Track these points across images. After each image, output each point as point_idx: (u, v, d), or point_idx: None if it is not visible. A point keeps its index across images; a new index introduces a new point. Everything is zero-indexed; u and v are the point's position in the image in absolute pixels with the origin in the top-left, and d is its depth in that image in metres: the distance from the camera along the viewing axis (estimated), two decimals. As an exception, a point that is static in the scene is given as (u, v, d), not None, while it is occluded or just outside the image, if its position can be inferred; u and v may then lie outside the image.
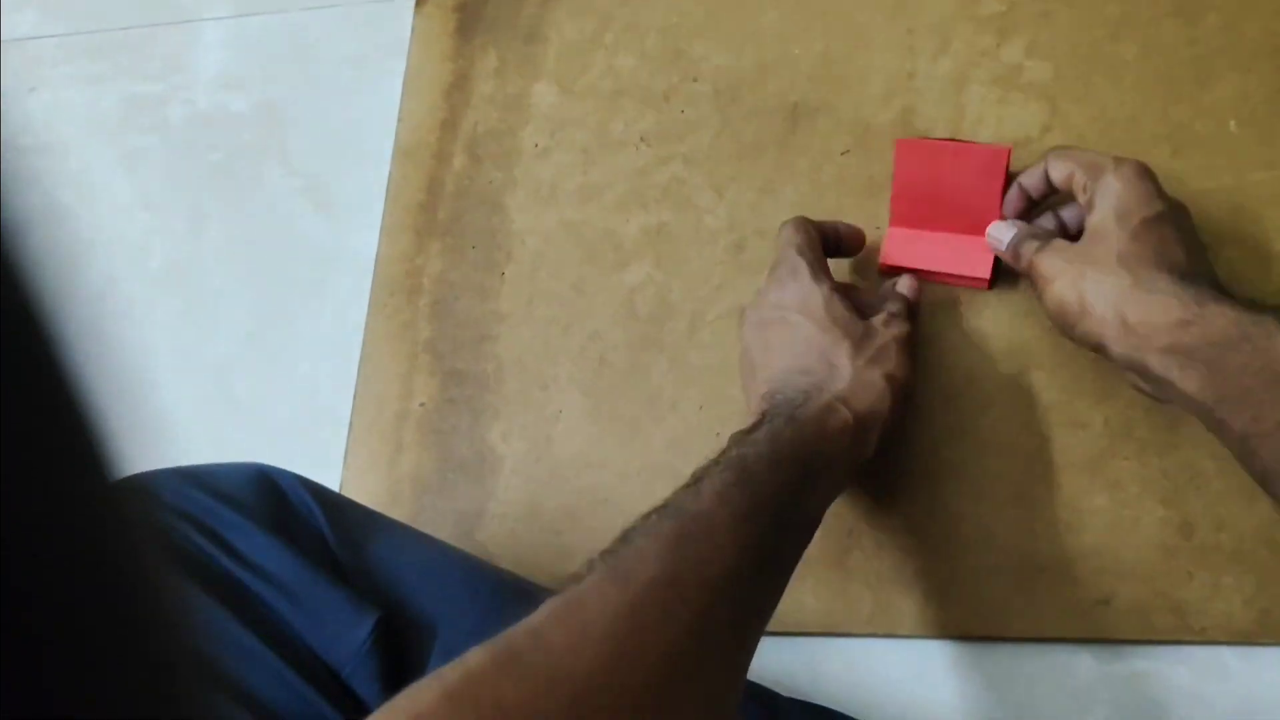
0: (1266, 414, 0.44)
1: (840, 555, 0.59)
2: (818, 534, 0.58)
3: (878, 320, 0.56)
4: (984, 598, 0.57)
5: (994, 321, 0.63)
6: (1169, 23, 0.68)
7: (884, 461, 0.60)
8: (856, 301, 0.58)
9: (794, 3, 0.73)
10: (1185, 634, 0.55)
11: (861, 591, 0.58)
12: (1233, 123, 0.65)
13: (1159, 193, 0.54)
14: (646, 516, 0.42)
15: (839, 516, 0.60)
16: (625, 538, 0.40)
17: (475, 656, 0.34)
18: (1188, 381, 0.47)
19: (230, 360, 0.71)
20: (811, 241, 0.58)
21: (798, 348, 0.54)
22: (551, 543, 0.62)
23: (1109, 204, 0.53)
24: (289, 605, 0.45)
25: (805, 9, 0.73)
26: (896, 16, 0.71)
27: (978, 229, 0.63)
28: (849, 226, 0.62)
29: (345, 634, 0.46)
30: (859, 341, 0.54)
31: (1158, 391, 0.51)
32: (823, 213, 0.66)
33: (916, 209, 0.63)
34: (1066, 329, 0.53)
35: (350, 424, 0.67)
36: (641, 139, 0.71)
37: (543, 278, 0.68)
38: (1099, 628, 0.56)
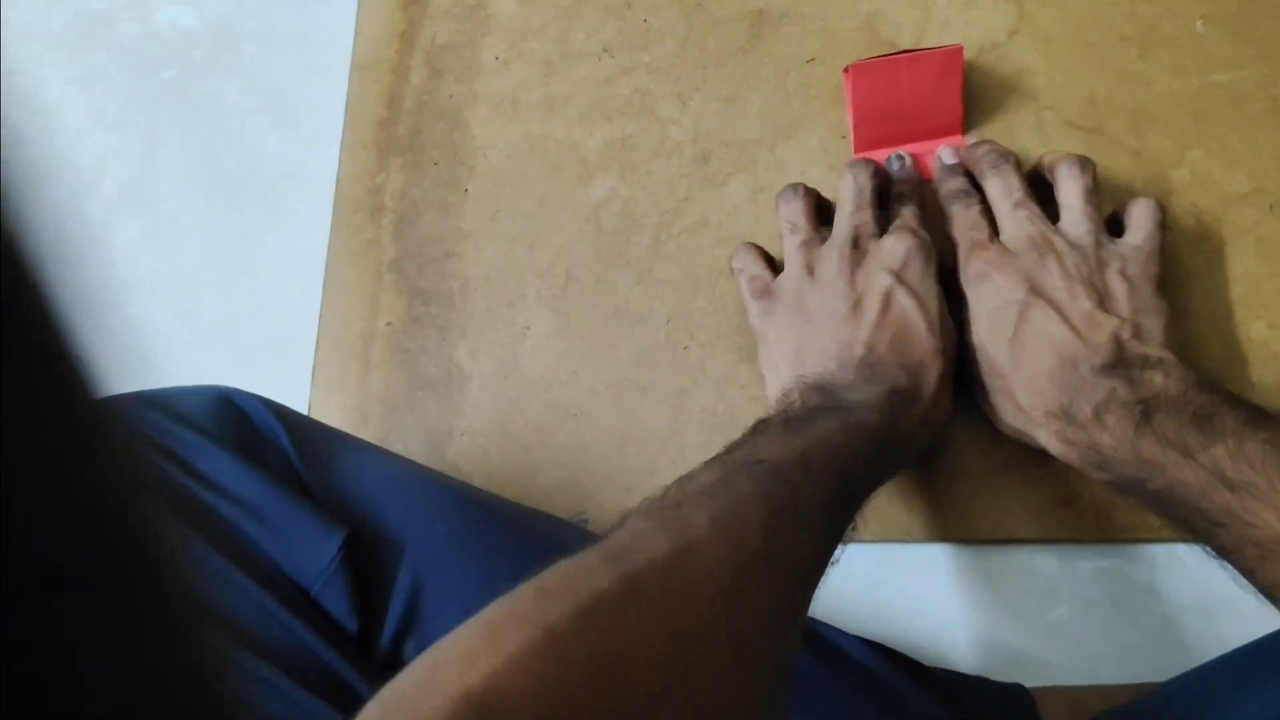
0: (1208, 541, 0.44)
1: (807, 464, 0.59)
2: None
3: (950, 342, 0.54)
4: (949, 501, 0.58)
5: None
6: (1137, -80, 0.66)
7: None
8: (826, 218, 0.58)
9: (757, -96, 0.71)
10: (1143, 531, 0.56)
11: (828, 499, 0.59)
12: (1200, 23, 0.64)
13: (1010, 278, 0.52)
14: (749, 461, 0.41)
15: (806, 426, 0.60)
16: (727, 480, 0.40)
17: (602, 575, 0.33)
18: (1143, 508, 0.48)
19: (192, 283, 0.70)
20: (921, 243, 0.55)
21: (904, 339, 0.52)
22: (521, 458, 0.62)
23: (978, 317, 0.53)
24: (255, 526, 0.45)
25: (769, -89, 0.71)
26: (862, -83, 0.70)
27: (945, 131, 0.63)
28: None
29: (313, 552, 0.46)
30: (947, 361, 0.53)
31: None
32: (789, 120, 0.66)
33: (880, 130, 0.63)
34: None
35: (316, 344, 0.66)
36: (604, 49, 0.70)
37: (506, 193, 0.68)
38: (1062, 528, 0.57)
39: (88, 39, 0.78)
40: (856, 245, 0.55)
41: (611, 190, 0.66)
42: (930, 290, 0.53)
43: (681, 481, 0.41)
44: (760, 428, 0.46)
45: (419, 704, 0.30)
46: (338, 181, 0.70)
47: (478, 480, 0.61)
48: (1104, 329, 0.50)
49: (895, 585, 0.58)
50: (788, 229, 0.58)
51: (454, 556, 0.49)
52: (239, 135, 0.73)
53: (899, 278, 0.53)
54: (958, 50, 0.61)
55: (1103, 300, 0.51)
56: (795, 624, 0.40)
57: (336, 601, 0.46)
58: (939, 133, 0.63)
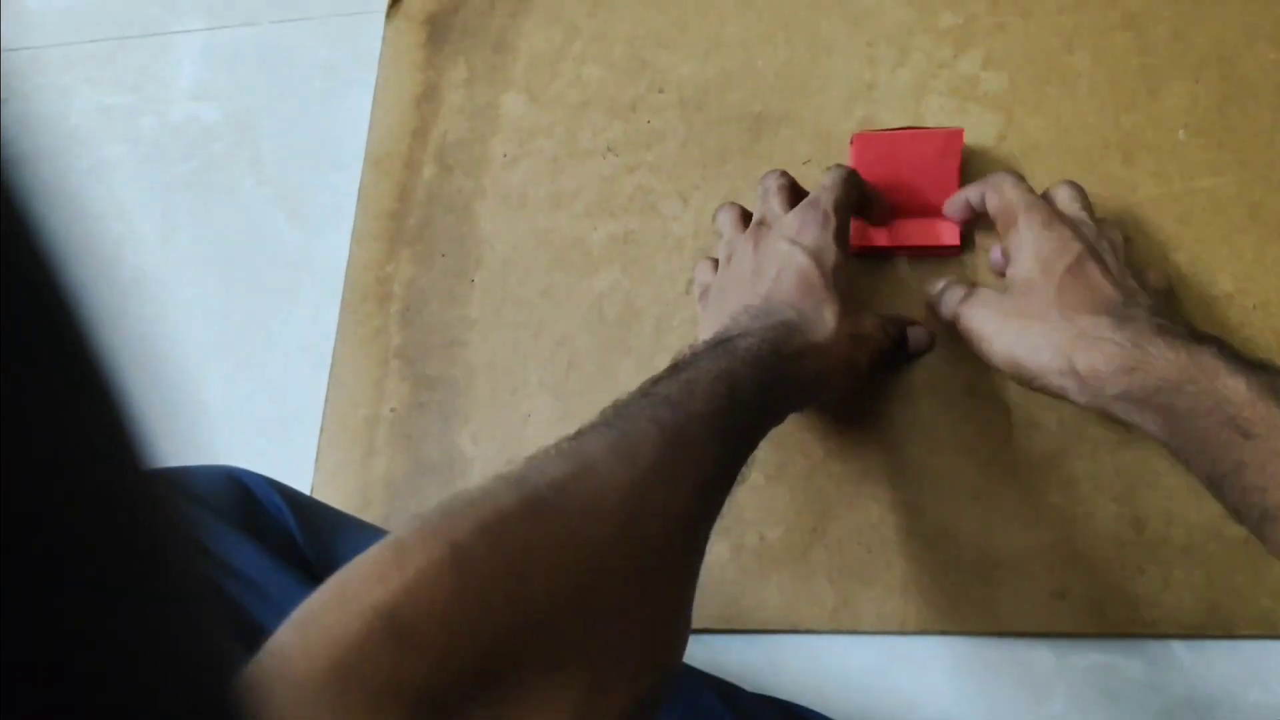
0: (1223, 456, 0.45)
1: (804, 551, 0.60)
2: (781, 531, 0.60)
3: (869, 317, 0.58)
4: (943, 593, 0.58)
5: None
6: (1120, 34, 0.70)
7: (845, 461, 0.62)
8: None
9: (756, 15, 0.75)
10: (1138, 626, 0.57)
11: (824, 587, 0.60)
12: (1182, 131, 0.67)
13: (1074, 233, 0.54)
14: (643, 395, 0.44)
15: (802, 514, 0.61)
16: (624, 413, 0.42)
17: (505, 496, 0.35)
18: (1148, 425, 0.49)
19: (201, 366, 0.72)
20: (849, 203, 0.59)
21: (794, 284, 0.54)
22: (521, 544, 0.63)
23: (1026, 256, 0.54)
24: (258, 601, 0.46)
25: (768, 20, 0.74)
26: (857, 28, 0.73)
27: (940, 211, 0.65)
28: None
29: None
30: (849, 312, 0.55)
31: (1130, 430, 0.53)
32: (786, 219, 0.68)
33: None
34: (1024, 383, 0.54)
35: (322, 428, 0.67)
36: (609, 148, 0.72)
37: (512, 284, 0.69)
38: (1055, 621, 0.57)
39: (107, 131, 0.81)
40: (761, 224, 0.59)
41: (614, 282, 0.68)
42: (827, 248, 0.56)
43: (576, 430, 0.43)
44: (650, 378, 0.48)
45: (331, 619, 0.31)
46: (348, 270, 0.72)
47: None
48: (1148, 298, 0.52)
49: (891, 677, 0.58)
50: (718, 236, 0.63)
51: None
52: (253, 225, 0.76)
53: (794, 241, 0.56)
54: (959, 133, 0.64)
55: (1142, 288, 0.53)
56: (697, 534, 0.42)
57: None
58: (935, 210, 0.65)
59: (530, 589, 0.34)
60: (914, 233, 0.65)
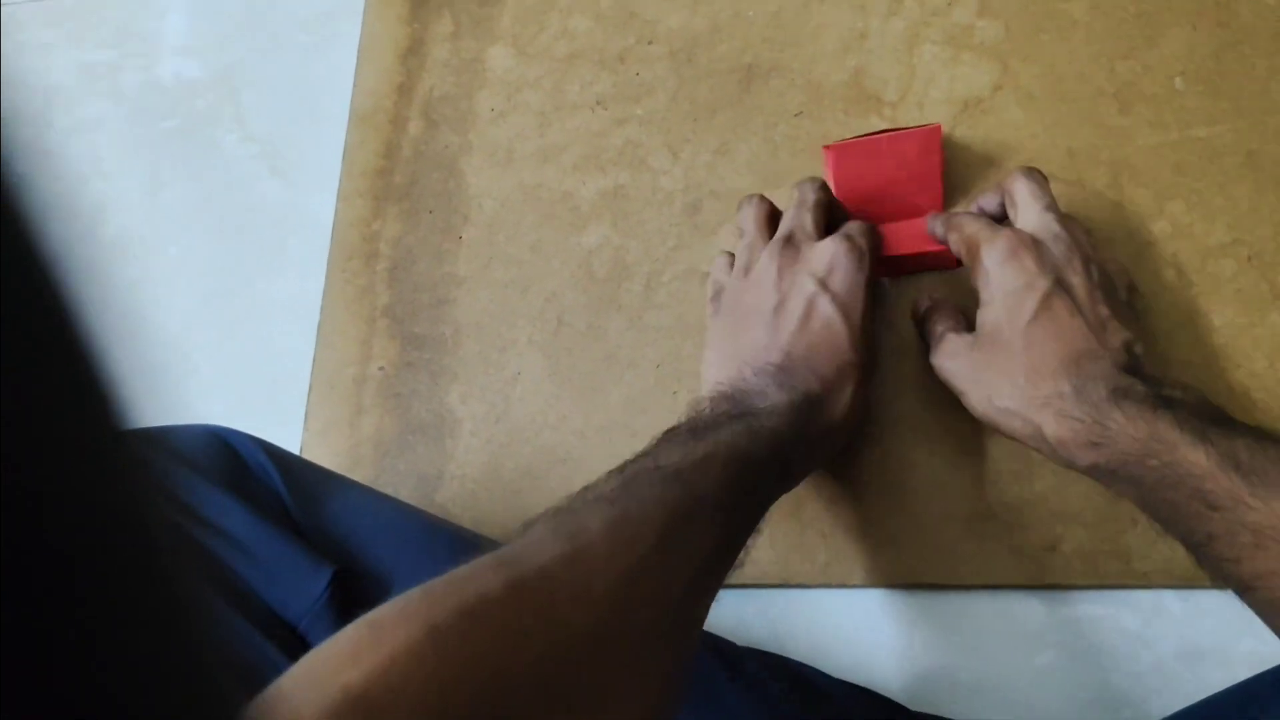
0: (1194, 527, 0.43)
1: (795, 507, 0.60)
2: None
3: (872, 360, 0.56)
4: (935, 545, 0.58)
5: (945, 277, 0.63)
6: (1116, -19, 0.68)
7: (837, 416, 0.61)
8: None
9: (748, -36, 0.73)
10: (1129, 578, 0.57)
11: (816, 542, 0.59)
12: (1178, 79, 0.66)
13: (1039, 265, 0.52)
14: (650, 469, 0.42)
15: (794, 471, 0.61)
16: (626, 486, 0.41)
17: (491, 579, 0.34)
18: (1124, 493, 0.48)
19: (187, 325, 0.71)
20: (879, 247, 0.58)
21: (822, 346, 0.52)
22: (511, 502, 0.62)
23: (994, 298, 0.52)
24: (245, 562, 0.46)
25: (759, -30, 0.73)
26: (849, -23, 0.72)
27: (926, 210, 0.64)
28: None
29: (302, 588, 0.46)
30: (866, 373, 0.54)
31: None
32: (777, 172, 0.67)
33: (863, 210, 0.63)
34: (1002, 434, 0.53)
35: (310, 387, 0.67)
36: (597, 102, 0.71)
37: (500, 240, 0.69)
38: (1047, 573, 0.57)
39: (89, 89, 0.80)
40: (790, 242, 0.55)
41: (604, 238, 0.67)
42: (856, 300, 0.53)
43: (584, 490, 0.42)
44: (667, 435, 0.46)
45: (301, 699, 0.30)
46: (334, 228, 0.71)
47: (467, 522, 0.61)
48: (1119, 336, 0.50)
49: (883, 630, 0.58)
50: (738, 233, 0.60)
51: None
52: (238, 182, 0.75)
53: (824, 284, 0.53)
54: (936, 129, 0.62)
55: (1114, 314, 0.51)
56: (689, 623, 0.41)
57: (323, 638, 0.46)
58: (921, 211, 0.64)
59: (510, 675, 0.33)
60: (909, 240, 0.63)
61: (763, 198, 0.60)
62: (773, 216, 0.60)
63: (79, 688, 0.13)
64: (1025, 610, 0.58)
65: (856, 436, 0.56)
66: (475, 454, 0.64)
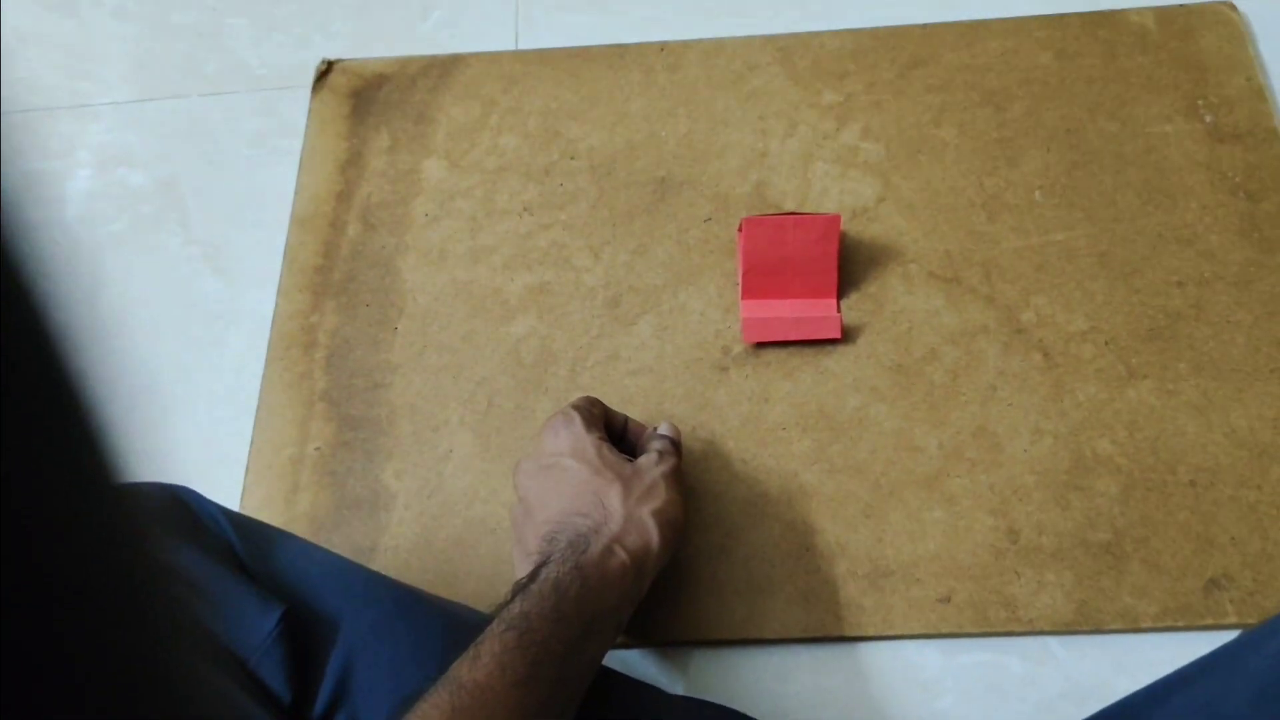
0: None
1: (712, 569, 0.64)
2: (690, 550, 0.64)
3: (646, 460, 0.58)
4: (840, 601, 0.63)
5: (841, 362, 0.70)
6: (981, 110, 0.79)
7: (748, 485, 0.67)
8: (625, 446, 0.62)
9: (658, 92, 0.82)
10: (1016, 625, 0.62)
11: (732, 599, 0.64)
12: (1037, 192, 0.75)
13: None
14: (430, 690, 0.45)
15: (708, 534, 0.65)
16: (408, 707, 0.44)
17: None
18: None
19: (127, 412, 0.74)
20: (590, 406, 0.61)
21: (573, 491, 0.56)
22: (443, 569, 0.65)
23: None
24: (196, 599, 0.48)
25: (668, 98, 0.82)
26: (749, 105, 0.81)
27: (821, 290, 0.71)
28: (636, 422, 0.64)
29: (252, 625, 0.49)
30: (629, 481, 0.56)
31: (1001, 452, 0.56)
32: (690, 269, 0.74)
33: (765, 280, 0.71)
34: None
35: (247, 466, 0.70)
36: (525, 208, 0.78)
37: (434, 330, 0.74)
38: (941, 623, 0.62)
39: (33, 195, 0.83)
40: (525, 460, 0.60)
41: (531, 328, 0.73)
42: (584, 442, 0.57)
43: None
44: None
45: None
46: (274, 320, 0.75)
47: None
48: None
49: (794, 680, 0.62)
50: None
51: (385, 637, 0.52)
52: (180, 281, 0.79)
53: (552, 454, 0.58)
54: (836, 219, 0.70)
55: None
56: None
57: (273, 672, 0.48)
58: (816, 290, 0.71)
59: None
60: (801, 326, 0.71)
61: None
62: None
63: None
64: (923, 659, 0.62)
65: (680, 521, 0.58)
66: (408, 526, 0.67)
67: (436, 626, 0.54)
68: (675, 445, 0.61)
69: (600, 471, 0.56)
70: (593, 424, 0.59)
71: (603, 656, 0.53)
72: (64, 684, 0.14)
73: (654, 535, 0.55)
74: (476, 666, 0.46)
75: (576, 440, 0.58)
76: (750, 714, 0.61)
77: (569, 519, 0.54)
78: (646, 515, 0.55)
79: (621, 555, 0.53)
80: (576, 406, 0.60)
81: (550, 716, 0.48)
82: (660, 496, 0.57)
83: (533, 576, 0.51)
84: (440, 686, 0.45)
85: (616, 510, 0.55)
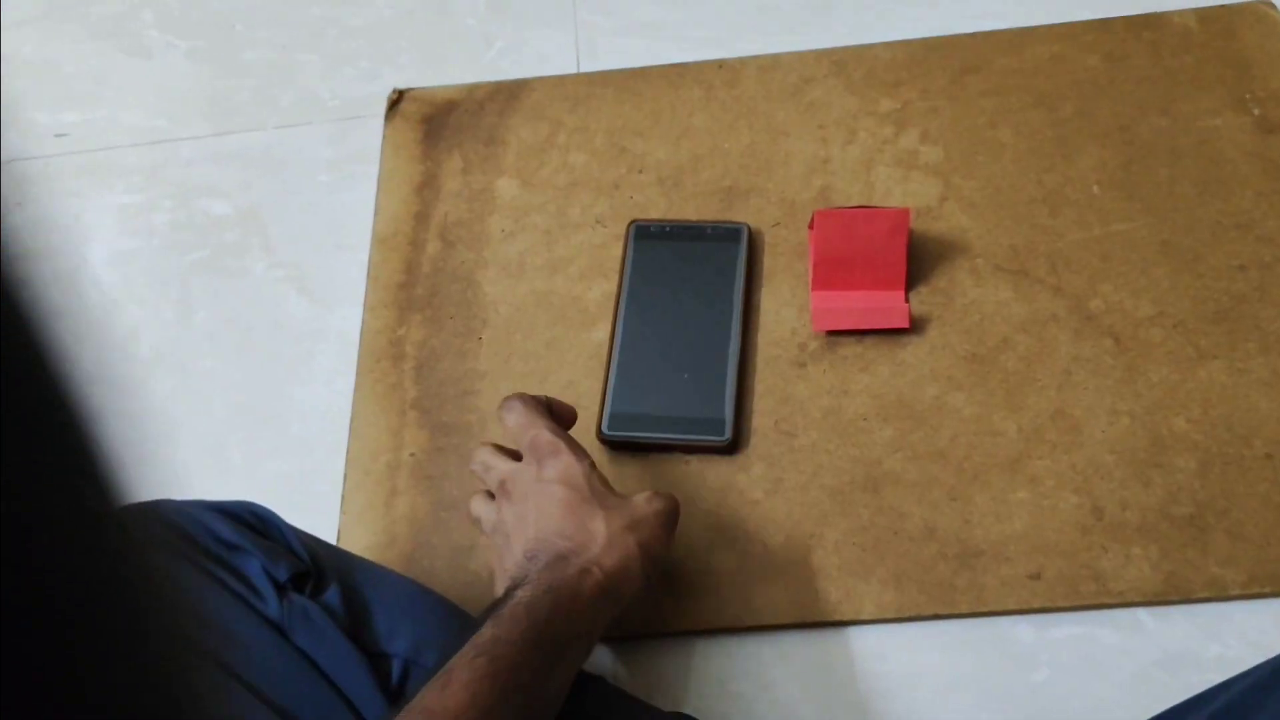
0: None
1: (805, 555, 0.66)
2: (781, 539, 0.66)
3: (640, 497, 0.59)
4: (932, 581, 0.65)
5: (916, 354, 0.72)
6: (1034, 112, 0.81)
7: (835, 474, 0.68)
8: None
9: (719, 107, 0.85)
10: (1106, 598, 0.63)
11: (826, 585, 0.65)
12: (1095, 186, 0.78)
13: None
14: (400, 714, 0.47)
15: (800, 524, 0.67)
16: None
17: None
18: None
19: (223, 430, 0.76)
20: (553, 421, 0.61)
21: (559, 514, 0.56)
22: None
23: None
24: (227, 646, 0.52)
25: (729, 111, 0.85)
26: (808, 115, 0.84)
27: (889, 283, 0.74)
28: (560, 402, 0.65)
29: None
30: (617, 509, 0.57)
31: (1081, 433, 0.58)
32: (763, 273, 0.76)
33: (835, 272, 0.74)
34: None
35: (345, 474, 0.72)
36: (597, 220, 0.81)
37: (518, 339, 0.76)
38: (1033, 599, 0.64)
39: (122, 226, 0.87)
40: (505, 485, 0.60)
41: (610, 330, 0.75)
42: (574, 469, 0.58)
43: None
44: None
45: None
46: (362, 335, 0.77)
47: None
48: None
49: (891, 660, 0.64)
50: (476, 523, 0.63)
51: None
52: (266, 302, 0.82)
53: (540, 479, 0.58)
54: (906, 213, 0.73)
55: None
56: None
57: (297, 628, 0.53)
58: (885, 283, 0.74)
59: None
60: (870, 315, 0.73)
61: (486, 444, 0.64)
62: (500, 448, 0.63)
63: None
64: (1017, 634, 0.64)
65: (658, 564, 0.58)
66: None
67: None
68: (672, 498, 0.60)
69: (588, 499, 0.57)
70: (579, 449, 0.59)
71: (573, 678, 0.53)
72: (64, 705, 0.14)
73: (635, 560, 0.55)
74: (447, 694, 0.47)
75: (565, 466, 0.58)
76: (850, 694, 0.62)
77: (548, 540, 0.55)
78: (631, 541, 0.56)
79: (597, 574, 0.54)
80: (554, 431, 0.60)
81: None
82: (648, 529, 0.57)
83: (506, 597, 0.52)
84: (411, 713, 0.46)
85: (600, 533, 0.55)
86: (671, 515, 0.59)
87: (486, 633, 0.50)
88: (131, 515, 0.17)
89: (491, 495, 0.61)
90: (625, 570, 0.55)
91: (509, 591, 0.53)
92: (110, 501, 0.16)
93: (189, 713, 0.18)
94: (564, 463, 0.58)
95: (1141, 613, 0.64)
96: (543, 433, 0.60)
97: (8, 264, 0.14)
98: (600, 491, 0.58)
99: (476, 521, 0.62)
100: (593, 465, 0.59)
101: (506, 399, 0.62)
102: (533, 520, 0.57)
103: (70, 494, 0.15)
